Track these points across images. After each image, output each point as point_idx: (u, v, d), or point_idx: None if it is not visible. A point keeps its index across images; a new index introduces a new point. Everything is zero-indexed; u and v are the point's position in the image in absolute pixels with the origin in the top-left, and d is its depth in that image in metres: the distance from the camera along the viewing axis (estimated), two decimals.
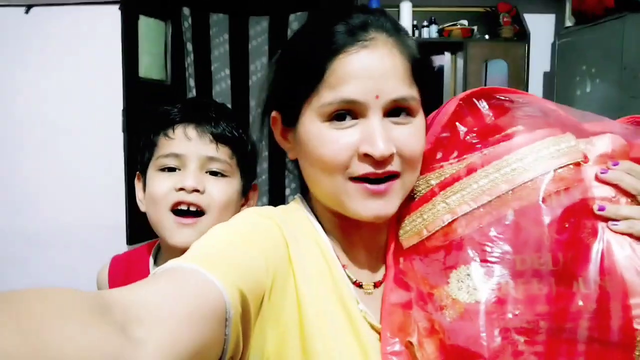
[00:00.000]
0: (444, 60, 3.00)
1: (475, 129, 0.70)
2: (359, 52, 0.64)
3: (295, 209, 0.75)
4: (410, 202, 0.71)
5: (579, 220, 0.63)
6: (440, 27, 2.98)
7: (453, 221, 0.65)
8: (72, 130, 2.49)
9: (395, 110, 0.66)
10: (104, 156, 2.46)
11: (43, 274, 2.42)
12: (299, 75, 0.68)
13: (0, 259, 2.39)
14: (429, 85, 0.72)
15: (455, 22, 2.99)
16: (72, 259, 2.45)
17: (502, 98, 0.71)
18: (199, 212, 0.96)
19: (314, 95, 0.66)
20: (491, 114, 0.70)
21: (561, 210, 0.62)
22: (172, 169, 0.96)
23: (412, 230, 0.69)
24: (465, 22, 3.00)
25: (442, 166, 0.69)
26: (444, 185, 0.67)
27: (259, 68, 2.73)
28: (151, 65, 2.51)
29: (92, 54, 2.49)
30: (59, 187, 2.47)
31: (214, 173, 0.97)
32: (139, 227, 2.40)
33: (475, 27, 3.00)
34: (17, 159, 2.43)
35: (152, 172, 0.99)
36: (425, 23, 2.99)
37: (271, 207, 0.73)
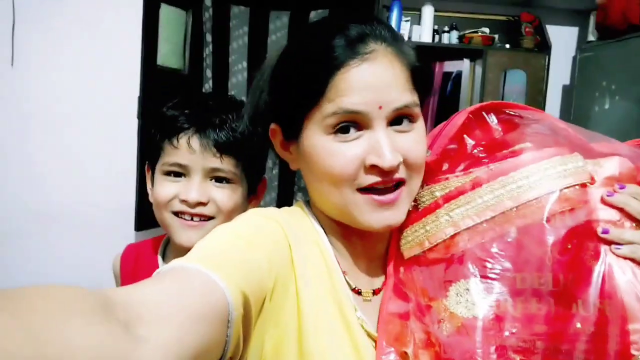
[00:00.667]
0: (462, 66, 2.98)
1: (483, 142, 0.69)
2: (360, 66, 0.64)
3: (298, 212, 0.76)
4: (413, 212, 0.71)
5: (582, 241, 0.62)
6: (461, 33, 2.96)
7: (455, 235, 0.65)
8: (87, 114, 2.50)
9: (398, 118, 0.67)
10: (117, 141, 2.48)
11: (49, 250, 2.45)
12: (299, 90, 0.68)
13: (11, 234, 2.42)
14: (428, 90, 0.72)
15: (476, 30, 2.97)
16: (80, 238, 2.48)
17: (512, 113, 0.71)
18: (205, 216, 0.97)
19: (316, 109, 0.66)
20: (500, 129, 0.70)
21: (565, 231, 0.62)
22: (177, 174, 0.97)
23: (414, 241, 0.69)
24: (486, 29, 2.98)
25: (447, 178, 0.69)
26: (449, 198, 0.67)
27: None
28: (170, 54, 2.52)
29: (111, 39, 2.51)
30: (71, 169, 2.49)
31: (219, 180, 0.97)
32: (148, 213, 2.42)
33: (496, 36, 2.97)
34: (32, 141, 2.45)
35: (158, 175, 0.99)
36: (446, 28, 2.96)
37: (275, 209, 0.73)
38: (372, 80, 0.65)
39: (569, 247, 0.61)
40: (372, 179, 0.66)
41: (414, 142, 0.67)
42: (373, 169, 0.65)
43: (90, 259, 2.43)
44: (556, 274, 0.61)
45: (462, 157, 0.70)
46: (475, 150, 0.69)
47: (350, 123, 0.65)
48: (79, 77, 2.49)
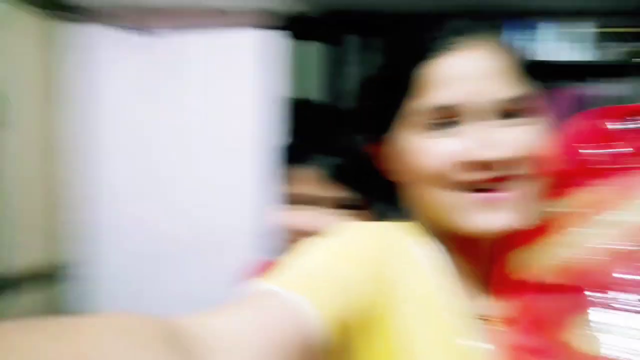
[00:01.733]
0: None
1: (631, 148, 0.59)
2: (454, 56, 0.60)
3: (411, 229, 0.68)
4: (538, 229, 0.61)
5: None
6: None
7: (596, 257, 0.54)
8: (215, 142, 2.61)
9: (506, 112, 0.59)
10: (248, 167, 2.54)
11: (195, 274, 2.56)
12: (391, 88, 0.64)
13: (154, 258, 2.56)
14: (542, 84, 0.64)
15: None
16: (228, 261, 2.56)
17: None
18: None
19: (410, 106, 0.62)
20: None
21: None
22: None
23: (536, 262, 0.60)
24: None
25: (584, 189, 0.59)
26: (585, 214, 0.58)
27: None
28: (307, 89, 2.57)
29: (231, 77, 2.61)
30: (204, 194, 2.60)
31: None
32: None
33: None
34: (167, 168, 2.61)
35: None
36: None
37: (382, 223, 0.67)
38: (467, 70, 0.59)
39: None
40: (476, 175, 0.58)
41: (525, 134, 0.59)
42: (476, 165, 0.58)
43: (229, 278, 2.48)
44: None
45: (606, 163, 0.59)
46: (615, 159, 0.59)
47: (446, 118, 0.60)
48: (218, 106, 2.63)
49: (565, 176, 0.61)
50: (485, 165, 0.57)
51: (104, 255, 2.48)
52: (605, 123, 0.60)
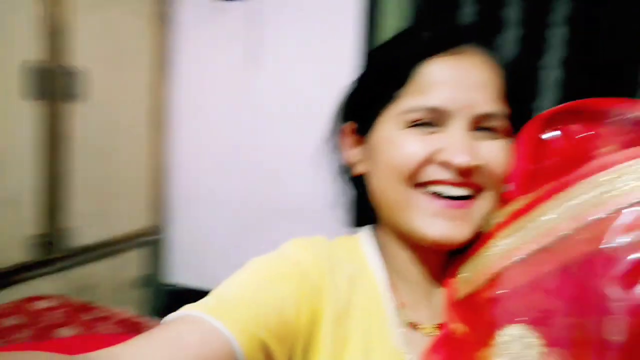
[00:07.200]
0: None
1: (560, 155, 0.58)
2: (448, 60, 0.60)
3: (353, 242, 0.70)
4: (474, 244, 0.60)
5: None
6: None
7: (505, 269, 0.53)
8: (313, 110, 2.63)
9: (482, 126, 0.60)
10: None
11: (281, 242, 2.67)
12: (382, 80, 0.64)
13: (251, 227, 2.68)
14: (521, 108, 0.63)
15: None
16: (306, 230, 2.64)
17: (602, 112, 0.57)
18: None
19: (396, 101, 0.62)
20: (582, 135, 0.57)
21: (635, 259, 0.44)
22: None
23: (465, 278, 0.59)
24: None
25: (511, 201, 0.59)
26: (503, 225, 0.56)
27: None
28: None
29: (333, 33, 2.57)
30: (302, 164, 2.66)
31: None
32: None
33: None
34: (266, 137, 2.68)
35: None
36: None
37: (318, 238, 0.68)
38: (458, 76, 0.60)
39: None
40: (440, 174, 0.59)
41: (496, 149, 0.60)
42: (446, 166, 0.59)
43: None
44: (630, 321, 0.43)
45: (538, 175, 0.58)
46: (549, 165, 0.58)
47: (429, 119, 0.60)
48: (303, 73, 2.63)
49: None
50: (454, 168, 0.58)
51: (193, 221, 2.62)
52: (539, 134, 0.60)
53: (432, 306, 0.65)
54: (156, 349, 0.48)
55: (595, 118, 0.57)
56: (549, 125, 0.60)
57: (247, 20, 2.58)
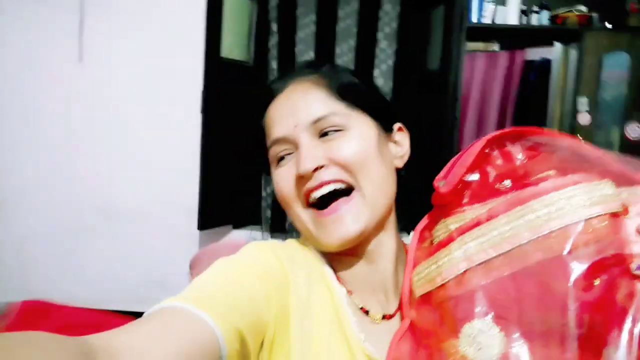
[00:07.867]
0: (551, 53, 2.65)
1: (504, 172, 0.65)
2: (279, 98, 0.72)
3: (297, 243, 0.75)
4: (427, 248, 0.67)
5: (612, 278, 0.54)
6: (553, 13, 2.65)
7: (468, 270, 0.60)
8: (151, 110, 2.48)
9: (325, 131, 0.69)
10: (181, 137, 2.44)
11: (115, 246, 2.48)
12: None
13: (80, 230, 2.48)
14: (366, 99, 0.73)
15: (571, 8, 2.64)
16: (144, 235, 2.48)
17: (538, 140, 0.66)
18: None
19: (267, 149, 0.73)
20: (524, 157, 0.65)
21: (589, 264, 0.54)
22: None
23: (425, 278, 0.65)
24: (583, 7, 2.64)
25: (464, 210, 0.65)
26: (463, 231, 0.62)
27: (345, 51, 2.58)
28: (234, 45, 2.44)
29: (174, 32, 2.46)
30: (136, 166, 2.49)
31: None
32: (210, 213, 2.38)
33: (595, 14, 2.63)
34: (99, 137, 2.48)
35: None
36: (535, 8, 2.66)
37: (274, 241, 0.73)
38: (286, 108, 0.71)
39: (596, 284, 0.54)
40: (309, 184, 0.68)
41: (342, 142, 0.68)
42: (300, 179, 0.68)
43: (155, 255, 2.42)
44: (580, 315, 0.53)
45: (483, 188, 0.65)
46: (497, 181, 0.65)
47: (285, 150, 0.71)
48: (141, 71, 2.47)
49: (448, 198, 0.66)
50: (305, 177, 0.67)
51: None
52: (489, 149, 0.67)
53: (379, 296, 0.72)
54: (151, 339, 0.48)
55: (536, 145, 0.66)
56: (495, 144, 0.67)
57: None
